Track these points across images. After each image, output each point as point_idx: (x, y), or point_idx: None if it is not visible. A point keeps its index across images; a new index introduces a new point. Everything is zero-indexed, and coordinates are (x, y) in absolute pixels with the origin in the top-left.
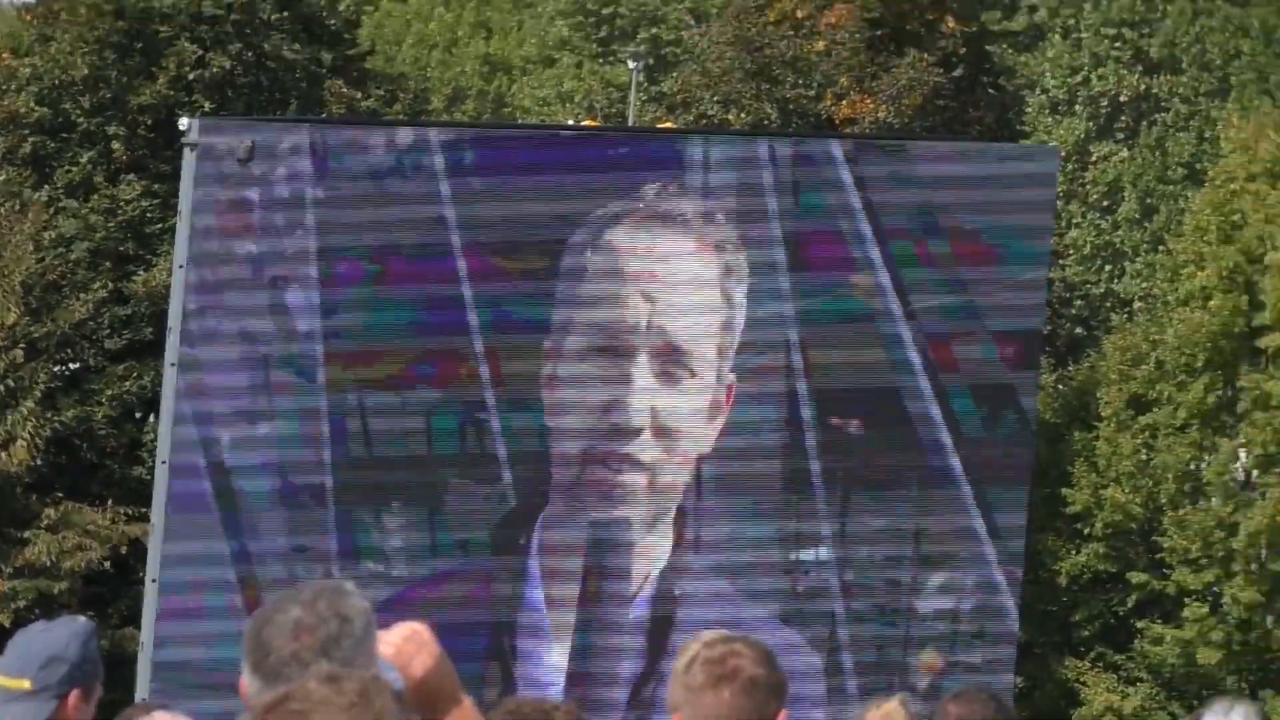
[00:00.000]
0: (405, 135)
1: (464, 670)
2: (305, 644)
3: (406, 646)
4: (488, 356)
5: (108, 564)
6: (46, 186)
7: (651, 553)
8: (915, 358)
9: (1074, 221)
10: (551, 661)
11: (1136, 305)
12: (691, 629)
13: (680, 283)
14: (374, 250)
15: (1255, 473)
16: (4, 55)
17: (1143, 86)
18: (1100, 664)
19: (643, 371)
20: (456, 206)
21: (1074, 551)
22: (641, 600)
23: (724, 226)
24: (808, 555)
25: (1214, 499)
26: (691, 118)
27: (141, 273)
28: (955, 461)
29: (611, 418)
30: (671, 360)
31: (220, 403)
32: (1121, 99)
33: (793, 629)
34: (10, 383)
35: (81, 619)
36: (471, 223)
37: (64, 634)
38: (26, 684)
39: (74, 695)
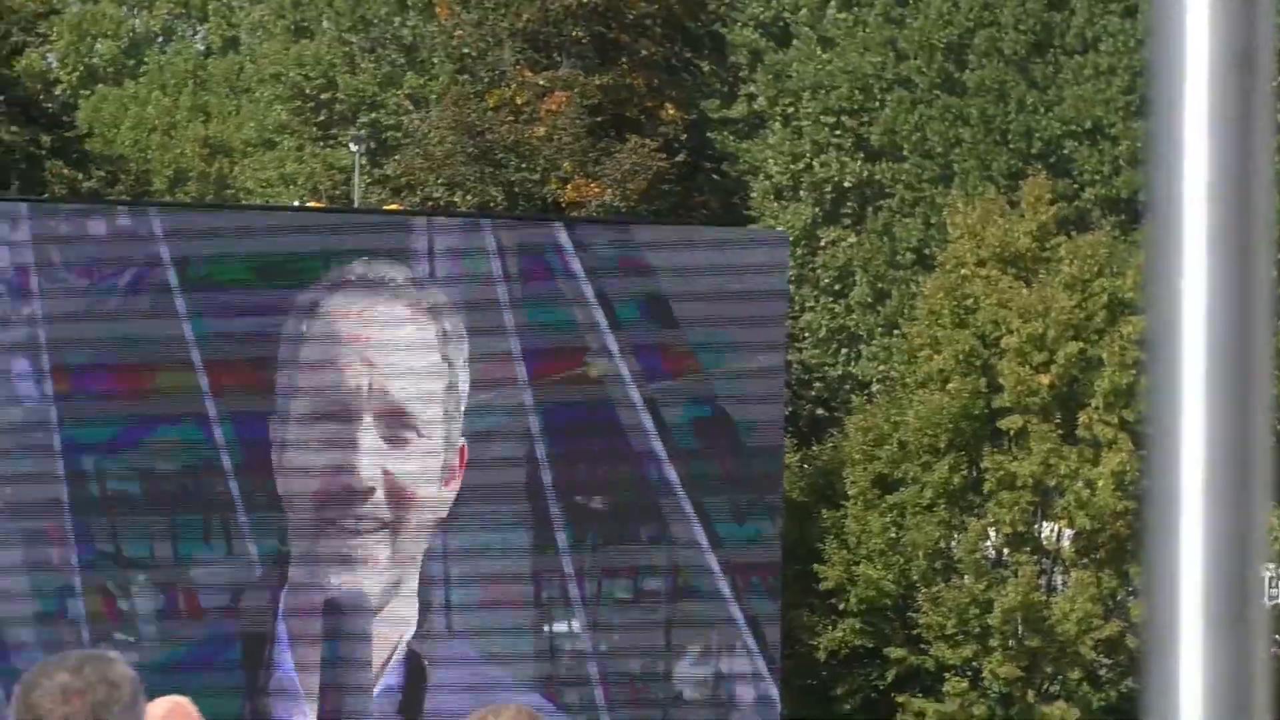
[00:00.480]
0: (129, 222)
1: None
2: (75, 708)
3: (171, 718)
4: (236, 471)
5: None
6: None
7: (395, 620)
8: (659, 447)
9: (807, 305)
10: None
11: (875, 387)
12: (444, 693)
13: (398, 347)
14: (106, 345)
15: (1005, 551)
16: None
17: (865, 173)
18: None
19: (369, 435)
20: (192, 317)
21: (830, 627)
22: (391, 668)
23: (436, 291)
24: (560, 628)
25: (966, 576)
26: (417, 200)
27: None
28: (711, 558)
29: (342, 480)
30: (397, 422)
31: None
32: (846, 185)
33: (546, 695)
34: None
35: None
36: (206, 329)
37: None
38: None
39: None
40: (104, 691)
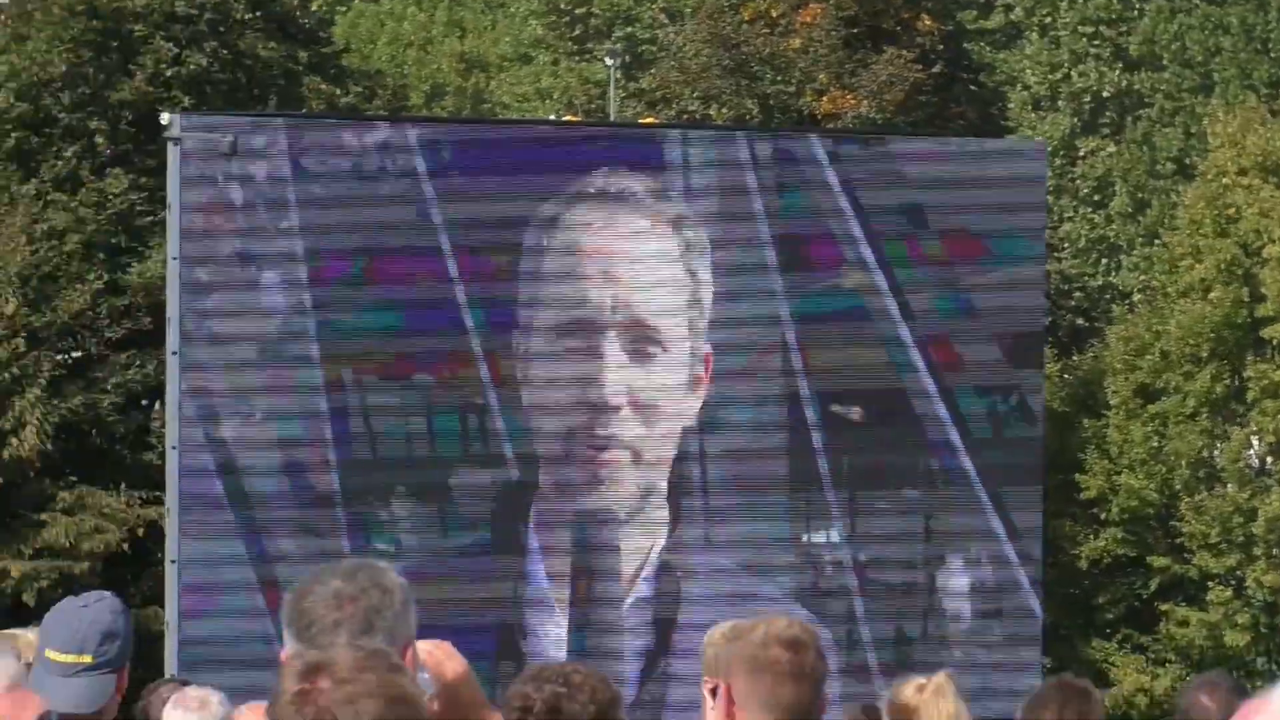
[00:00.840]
0: (384, 135)
1: (477, 664)
2: (349, 613)
3: (437, 652)
4: (486, 356)
5: (126, 546)
6: (33, 181)
7: (645, 532)
8: (918, 358)
9: (1066, 216)
10: (557, 636)
11: (1136, 297)
12: (700, 607)
13: (641, 260)
14: (360, 250)
15: (1269, 459)
16: None
17: (1124, 83)
18: (1127, 646)
19: (614, 349)
20: (441, 206)
21: (1092, 536)
22: (643, 579)
23: (678, 201)
24: (819, 539)
25: (1230, 485)
26: (672, 113)
27: (135, 264)
28: (966, 459)
29: (588, 396)
30: (641, 336)
31: (222, 400)
32: (1104, 94)
33: (807, 606)
34: (15, 371)
35: (110, 595)
36: (456, 222)
37: (109, 611)
38: (88, 659)
39: (124, 670)
40: (377, 597)
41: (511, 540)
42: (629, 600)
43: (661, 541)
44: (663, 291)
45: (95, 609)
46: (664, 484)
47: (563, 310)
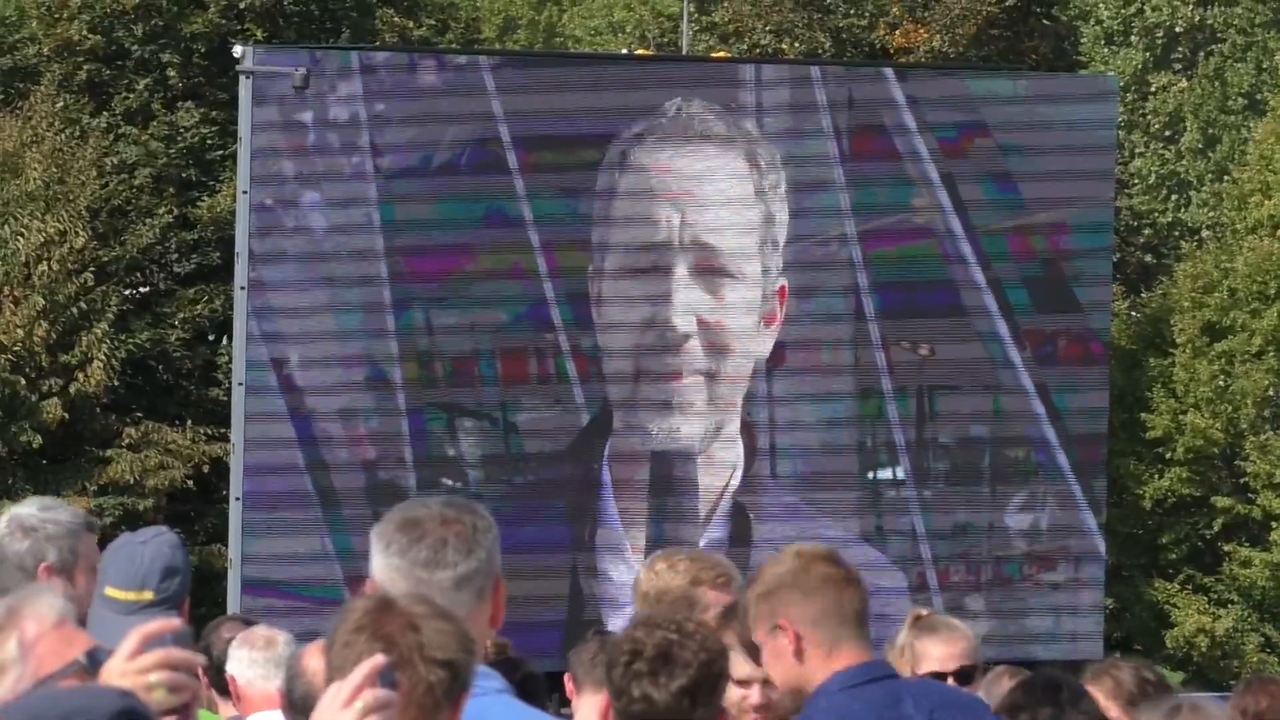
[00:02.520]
0: (457, 68)
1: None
2: (455, 531)
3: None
4: (551, 275)
5: (190, 482)
6: (105, 113)
7: (718, 469)
8: (991, 302)
9: (1137, 151)
10: (628, 579)
11: (1205, 234)
12: (770, 548)
13: (711, 191)
14: (431, 178)
15: None
16: None
17: (1197, 17)
18: (1189, 586)
19: (682, 281)
20: (511, 127)
21: (1157, 476)
22: (717, 520)
23: (749, 129)
24: (884, 475)
25: None
26: (745, 47)
27: (205, 199)
28: (1036, 403)
29: (657, 329)
30: (710, 268)
31: (289, 321)
32: (1177, 30)
33: (874, 547)
34: (82, 305)
35: (167, 529)
36: (528, 142)
37: (168, 546)
38: (149, 595)
39: (185, 605)
40: (480, 524)
41: (584, 479)
42: (702, 542)
43: (736, 481)
44: (734, 229)
45: (155, 544)
46: (736, 419)
47: (632, 245)
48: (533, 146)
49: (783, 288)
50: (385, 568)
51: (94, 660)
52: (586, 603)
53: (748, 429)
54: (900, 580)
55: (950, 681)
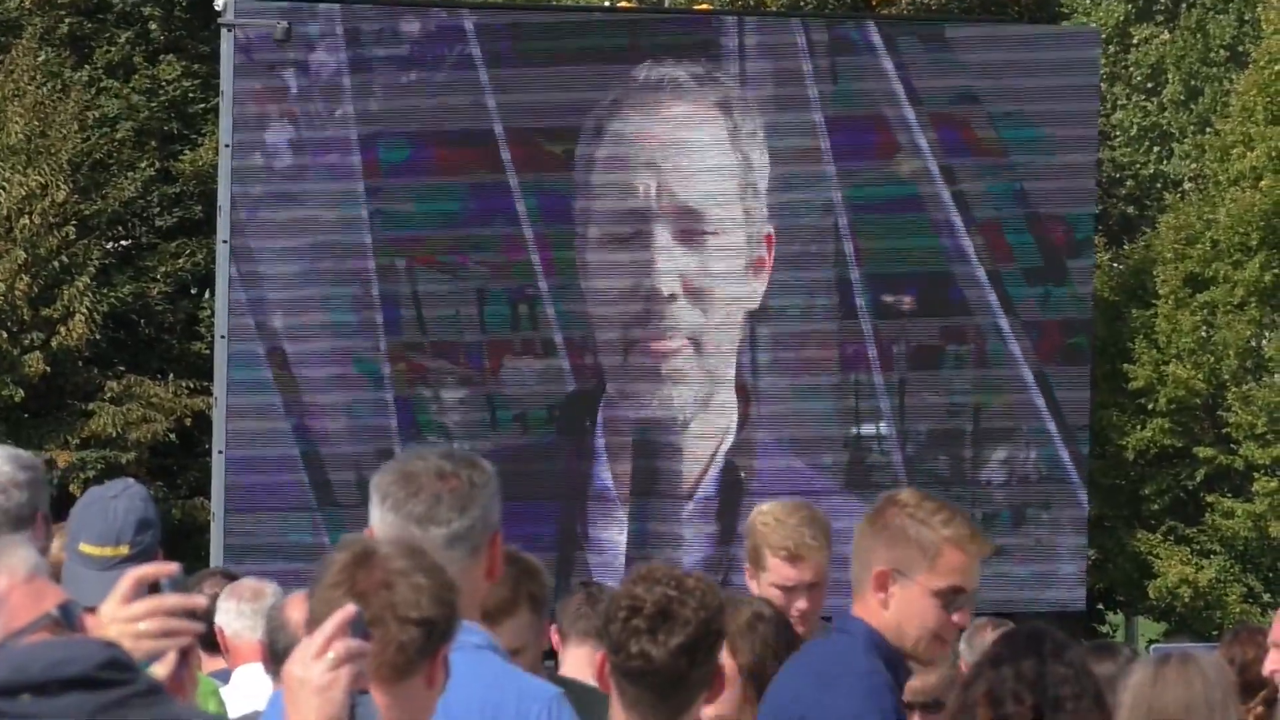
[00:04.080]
0: (439, 21)
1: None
2: (450, 486)
3: None
4: (537, 243)
5: (173, 436)
6: (86, 67)
7: (711, 430)
8: (967, 243)
9: (1119, 103)
10: (620, 541)
11: (1187, 185)
12: (761, 500)
13: (686, 147)
14: (415, 136)
15: None
16: None
17: None
18: (1172, 537)
19: (663, 240)
20: (496, 94)
21: (1139, 427)
22: (709, 479)
23: (727, 85)
24: (869, 430)
25: (1277, 375)
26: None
27: (187, 152)
28: (1014, 347)
29: (643, 293)
30: (691, 224)
31: (274, 289)
32: None
33: (857, 497)
34: (64, 259)
35: (134, 481)
36: (511, 109)
37: (140, 499)
38: (125, 549)
39: (159, 557)
40: (477, 478)
41: (575, 439)
42: (692, 503)
43: (730, 440)
44: (711, 177)
45: (126, 498)
46: (731, 374)
47: (614, 201)
48: (515, 98)
49: (769, 235)
50: (380, 522)
51: (67, 613)
52: (576, 563)
53: (742, 391)
54: None
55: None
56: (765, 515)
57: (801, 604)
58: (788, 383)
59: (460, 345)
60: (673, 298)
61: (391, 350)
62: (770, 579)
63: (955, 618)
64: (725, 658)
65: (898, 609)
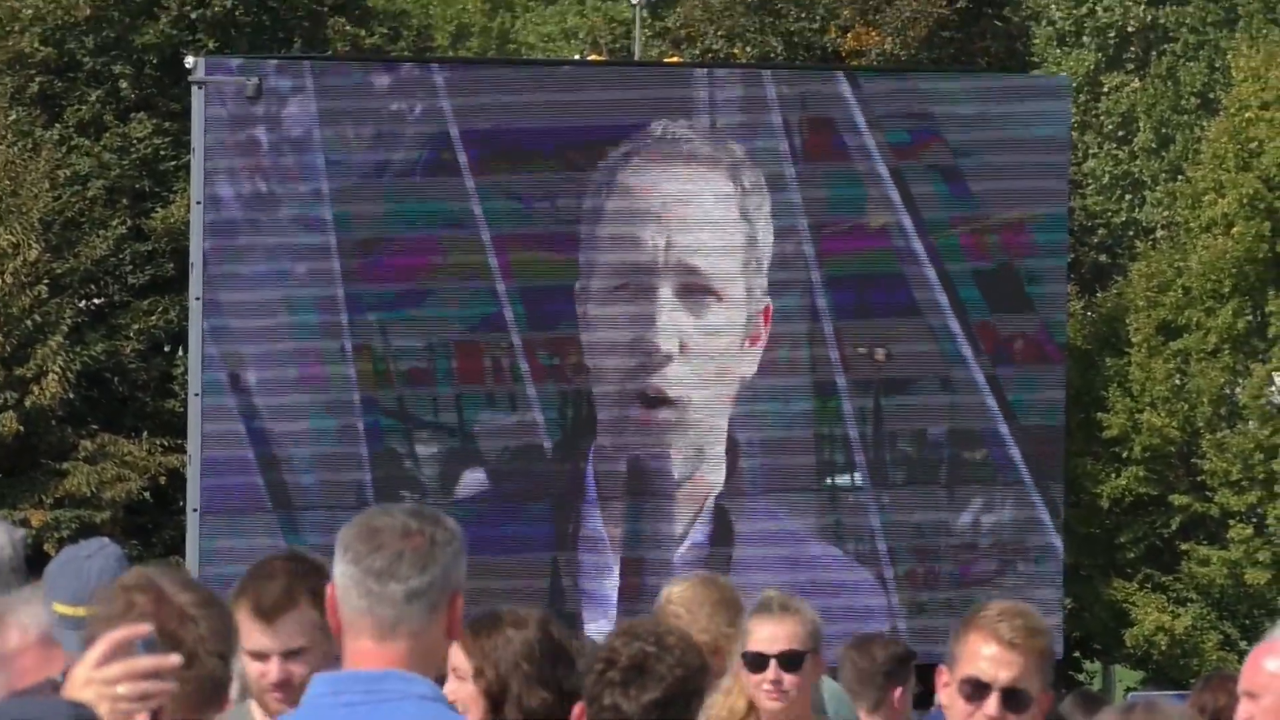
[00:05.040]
0: (409, 76)
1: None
2: (414, 544)
3: None
4: (504, 276)
5: (147, 494)
6: (57, 125)
7: (703, 484)
8: (943, 297)
9: (1090, 152)
10: (610, 580)
11: (1159, 233)
12: (749, 545)
13: (696, 211)
14: (385, 174)
15: None
16: None
17: (1149, 17)
18: (1148, 585)
19: (667, 301)
20: (460, 128)
21: (1114, 475)
22: (699, 523)
23: (733, 146)
24: (843, 480)
25: (1251, 422)
26: (697, 52)
27: (159, 210)
28: (990, 399)
29: (643, 348)
30: (695, 287)
31: (245, 345)
32: (1129, 29)
33: (833, 545)
34: (37, 318)
35: (110, 541)
36: (490, 184)
37: (114, 559)
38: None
39: None
40: (440, 536)
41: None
42: (683, 547)
43: (718, 490)
44: (718, 241)
45: (100, 558)
46: (722, 441)
47: (617, 265)
48: (485, 151)
49: (767, 308)
50: (341, 575)
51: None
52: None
53: (733, 448)
54: (865, 575)
55: (773, 665)
56: (675, 607)
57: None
58: (766, 437)
59: (432, 393)
60: (670, 358)
61: (365, 404)
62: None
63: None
64: None
65: None
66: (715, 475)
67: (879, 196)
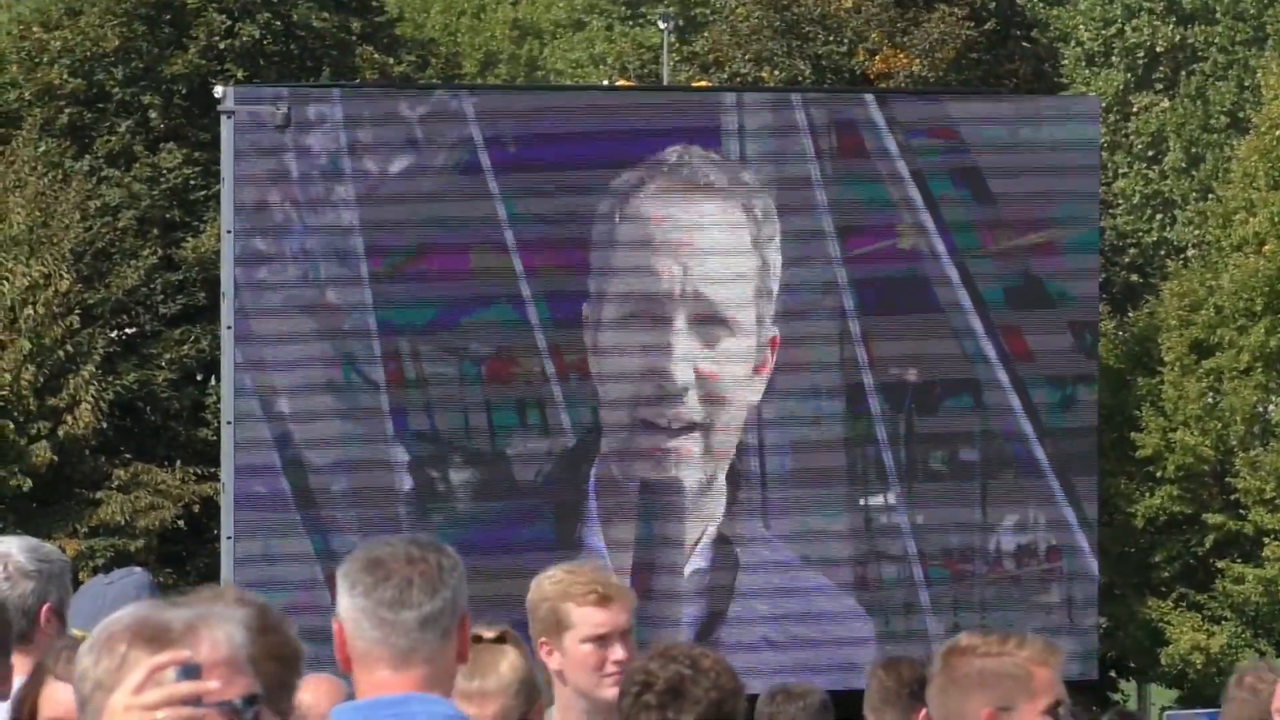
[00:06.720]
0: (439, 105)
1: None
2: (420, 570)
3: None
4: (551, 352)
5: (181, 522)
6: (87, 157)
7: (704, 514)
8: (978, 324)
9: (1120, 172)
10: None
11: (1190, 252)
12: (752, 574)
13: (709, 241)
14: (418, 226)
15: None
16: (34, 28)
17: (1178, 37)
18: (1183, 604)
19: (682, 335)
20: (499, 178)
21: (1147, 494)
22: (700, 550)
23: (747, 174)
24: (876, 501)
25: None
26: (725, 76)
27: (189, 239)
28: (1025, 423)
29: (656, 382)
30: (710, 322)
31: (277, 373)
32: (1158, 49)
33: (852, 597)
34: (69, 348)
35: (139, 570)
36: (519, 209)
37: (133, 586)
38: None
39: None
40: (445, 563)
41: (570, 508)
42: (688, 571)
43: (720, 514)
44: (732, 273)
45: (119, 585)
46: (728, 461)
47: (630, 293)
48: (516, 176)
49: (774, 338)
50: (350, 608)
51: (249, 704)
52: None
53: (733, 473)
54: (869, 629)
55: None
56: (553, 574)
57: (619, 653)
58: (788, 459)
59: (463, 415)
60: (685, 388)
61: (397, 429)
62: (580, 634)
63: None
64: None
65: None
66: (718, 506)
67: (910, 216)
